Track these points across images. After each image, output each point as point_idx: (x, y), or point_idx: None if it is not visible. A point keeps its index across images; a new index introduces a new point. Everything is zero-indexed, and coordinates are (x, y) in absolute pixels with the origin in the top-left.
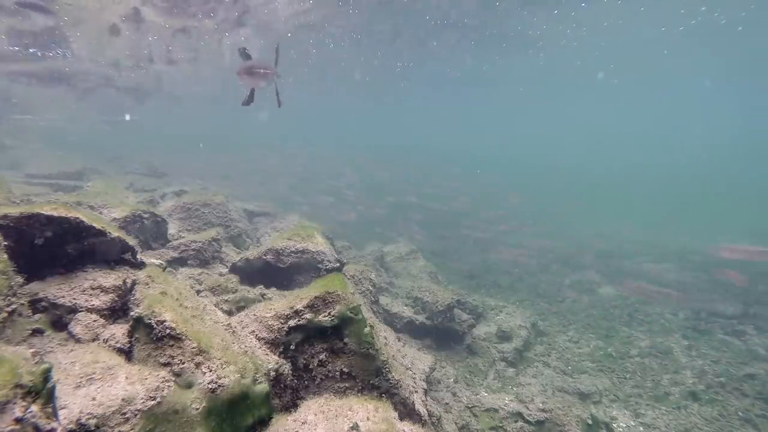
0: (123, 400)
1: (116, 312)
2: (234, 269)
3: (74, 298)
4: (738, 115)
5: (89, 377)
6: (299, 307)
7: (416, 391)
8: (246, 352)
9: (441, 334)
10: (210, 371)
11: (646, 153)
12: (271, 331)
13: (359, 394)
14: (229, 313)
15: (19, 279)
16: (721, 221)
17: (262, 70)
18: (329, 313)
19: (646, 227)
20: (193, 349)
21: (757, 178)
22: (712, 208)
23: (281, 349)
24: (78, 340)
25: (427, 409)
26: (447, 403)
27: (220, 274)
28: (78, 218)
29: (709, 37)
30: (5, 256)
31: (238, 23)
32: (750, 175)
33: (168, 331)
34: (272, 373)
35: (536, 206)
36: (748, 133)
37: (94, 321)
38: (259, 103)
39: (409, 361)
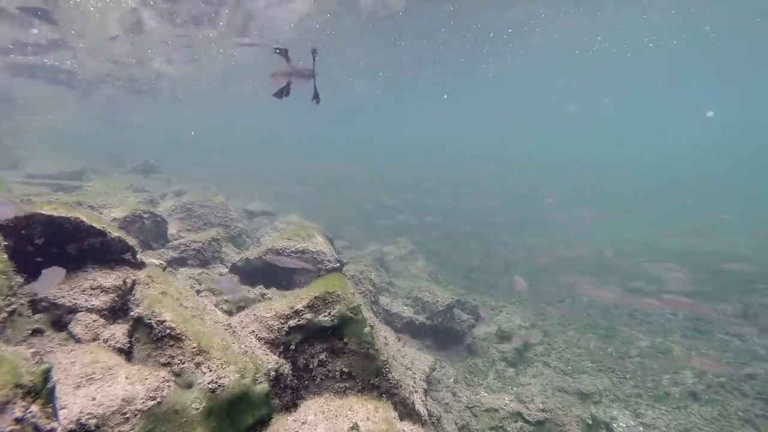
0: (123, 400)
1: (116, 312)
2: (234, 269)
3: (74, 298)
4: (730, 113)
5: (89, 377)
6: (299, 307)
7: (416, 391)
8: (246, 352)
9: (441, 334)
10: (210, 371)
11: (640, 151)
12: (271, 331)
13: (359, 394)
14: (229, 313)
15: (19, 279)
16: (720, 220)
17: (299, 75)
18: (329, 313)
19: (645, 226)
20: (193, 349)
21: (753, 176)
22: (711, 207)
23: (281, 349)
24: (78, 340)
25: (427, 409)
26: (447, 403)
27: (220, 274)
28: (78, 218)
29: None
30: (5, 256)
31: (240, 32)
32: (745, 173)
33: (168, 331)
34: (272, 373)
35: (537, 205)
36: (740, 132)
37: (94, 321)
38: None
39: (409, 361)
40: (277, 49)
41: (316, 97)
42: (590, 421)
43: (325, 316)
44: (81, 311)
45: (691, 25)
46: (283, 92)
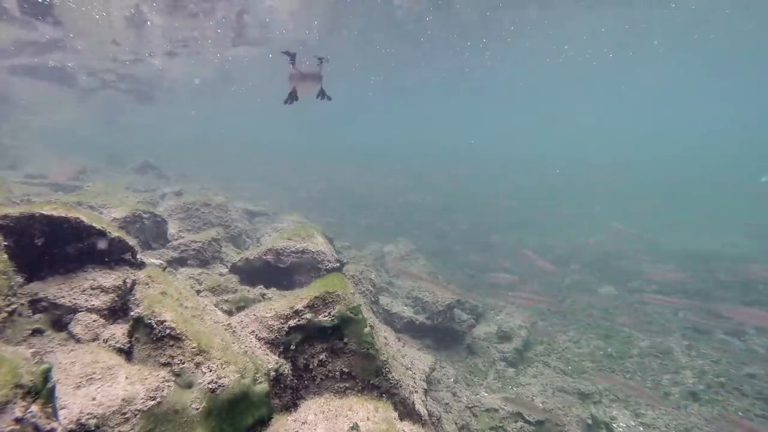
0: (123, 400)
1: (116, 312)
2: (234, 269)
3: (74, 298)
4: (728, 113)
5: (89, 377)
6: (299, 307)
7: (416, 391)
8: (246, 352)
9: (441, 334)
10: (210, 371)
11: (637, 150)
12: (271, 331)
13: (359, 394)
14: (229, 313)
15: (19, 279)
16: (718, 219)
17: (314, 76)
18: (329, 313)
19: (644, 226)
20: (193, 349)
21: (751, 175)
22: (710, 206)
23: (281, 349)
24: (78, 340)
25: (427, 409)
26: (447, 403)
27: (220, 274)
28: (78, 218)
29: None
30: (5, 256)
31: (237, 35)
32: (744, 173)
33: (168, 331)
34: (272, 373)
35: (533, 206)
36: (737, 131)
37: (94, 321)
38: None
39: (409, 361)
40: (286, 52)
41: (323, 95)
42: (590, 421)
43: (325, 316)
44: (81, 311)
45: (643, 38)
46: (292, 98)
